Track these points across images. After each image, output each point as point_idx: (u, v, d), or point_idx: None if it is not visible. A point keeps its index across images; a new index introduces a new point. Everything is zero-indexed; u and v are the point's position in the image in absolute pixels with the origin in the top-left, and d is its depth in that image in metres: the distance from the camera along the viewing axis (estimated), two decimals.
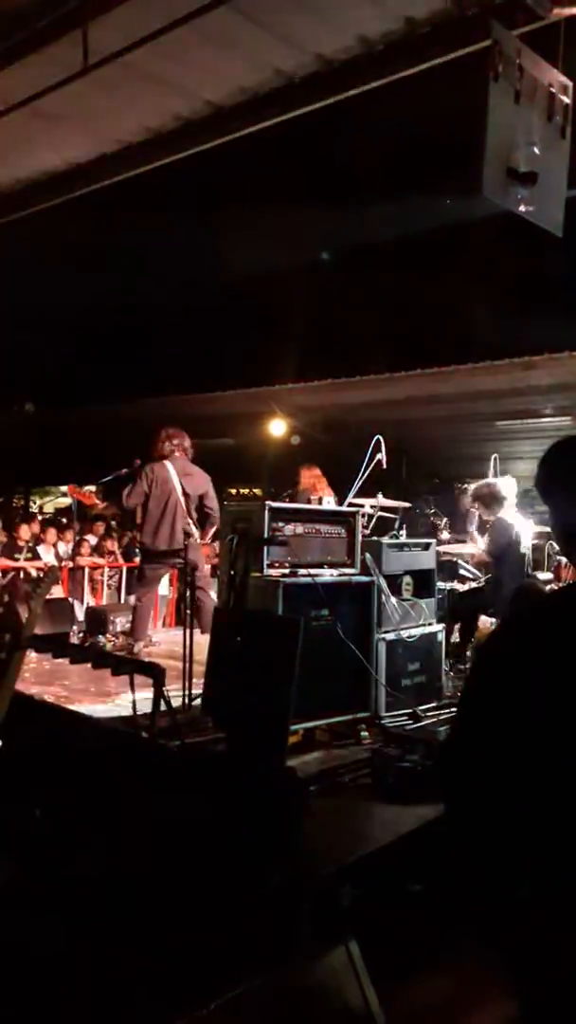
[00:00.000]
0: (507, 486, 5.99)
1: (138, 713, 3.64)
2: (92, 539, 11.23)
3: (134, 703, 3.53)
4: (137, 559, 11.03)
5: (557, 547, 6.53)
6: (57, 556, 10.83)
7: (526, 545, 5.89)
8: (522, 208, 4.34)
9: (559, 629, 1.45)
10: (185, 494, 6.25)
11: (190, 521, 6.23)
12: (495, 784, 1.42)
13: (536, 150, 4.34)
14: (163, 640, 7.24)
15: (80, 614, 8.40)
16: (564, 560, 6.42)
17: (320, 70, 5.55)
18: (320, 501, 5.88)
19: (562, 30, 4.60)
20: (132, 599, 9.58)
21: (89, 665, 4.19)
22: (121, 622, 7.72)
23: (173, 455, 6.35)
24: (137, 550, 11.25)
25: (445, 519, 6.72)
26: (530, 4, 4.38)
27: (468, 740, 1.49)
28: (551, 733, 1.38)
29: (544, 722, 1.39)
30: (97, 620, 7.88)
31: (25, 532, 11.16)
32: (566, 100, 4.70)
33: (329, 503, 6.41)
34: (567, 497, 1.55)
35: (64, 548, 10.99)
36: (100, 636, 7.53)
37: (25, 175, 7.37)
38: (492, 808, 1.41)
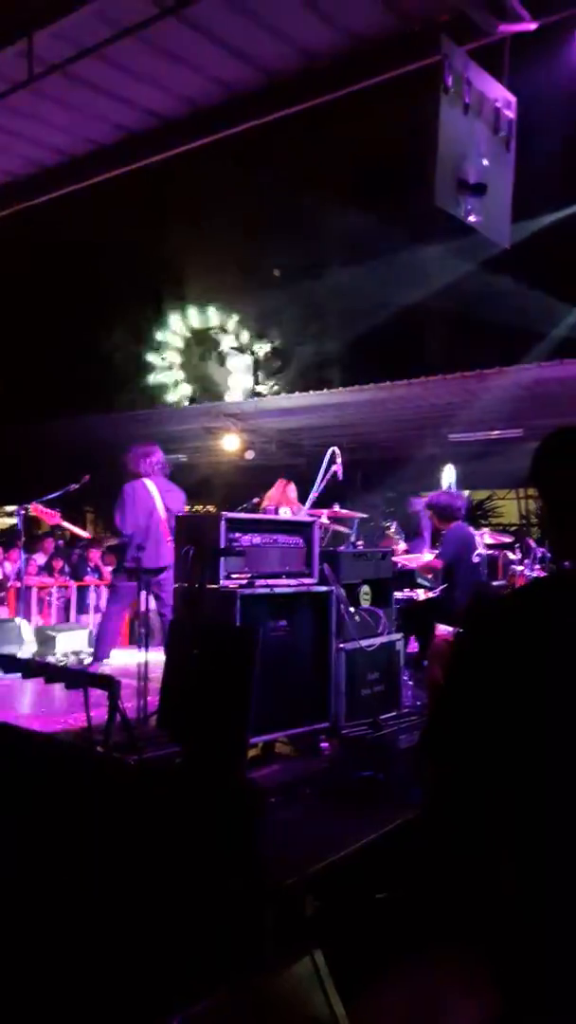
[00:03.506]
0: (460, 497, 6.05)
1: (93, 728, 3.53)
2: (41, 558, 11.02)
3: (88, 717, 3.43)
4: (88, 577, 10.88)
5: (516, 555, 6.59)
6: (4, 575, 10.59)
7: (479, 554, 5.94)
8: (472, 218, 4.41)
9: (519, 622, 1.49)
10: (167, 510, 6.11)
11: (170, 539, 6.05)
12: (472, 768, 1.46)
13: (485, 162, 4.42)
14: (115, 659, 7.09)
15: (28, 635, 8.19)
16: (519, 569, 6.48)
17: (266, 84, 5.60)
18: (276, 512, 5.83)
19: (507, 47, 4.71)
20: (84, 618, 9.42)
21: (42, 682, 4.06)
22: (71, 642, 7.56)
23: (151, 473, 6.19)
24: (90, 568, 11.10)
25: (395, 525, 6.76)
26: (477, 21, 4.46)
27: (444, 730, 1.51)
28: (518, 720, 1.43)
29: (511, 709, 1.44)
30: (46, 640, 7.70)
31: None
32: (510, 115, 4.80)
33: (286, 514, 6.37)
34: (558, 486, 1.58)
35: (10, 567, 10.75)
36: (49, 657, 7.36)
37: None
38: (471, 789, 1.43)
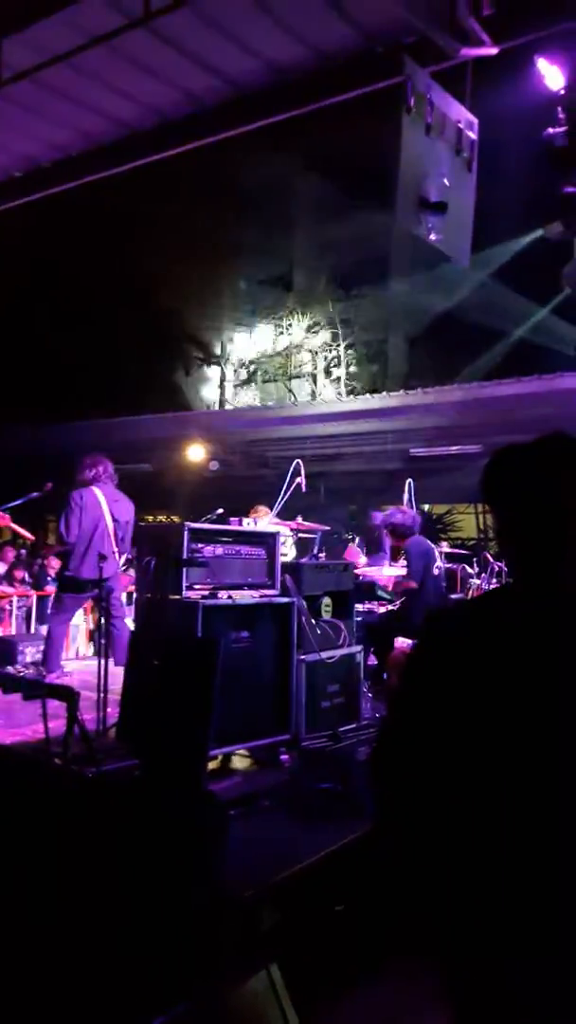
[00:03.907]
0: (418, 513, 6.11)
1: (51, 740, 3.49)
2: (1, 568, 10.87)
3: (46, 729, 3.39)
4: (49, 587, 10.74)
5: (474, 569, 6.68)
6: None
7: (438, 567, 6.01)
8: (432, 237, 4.48)
9: (471, 634, 1.52)
10: (115, 520, 6.08)
11: (115, 549, 6.03)
12: (422, 780, 1.46)
13: (446, 181, 4.50)
14: (76, 670, 7.00)
15: None
16: (477, 582, 6.56)
17: (234, 96, 5.65)
18: (240, 523, 5.83)
19: (470, 70, 4.80)
20: (44, 628, 9.29)
21: None
22: (31, 652, 7.45)
23: (99, 481, 6.17)
24: (51, 577, 10.97)
25: (358, 539, 6.81)
26: (439, 44, 4.55)
27: (395, 741, 1.52)
28: (468, 731, 1.44)
29: (461, 719, 1.45)
30: (5, 651, 7.59)
31: None
32: (472, 136, 4.90)
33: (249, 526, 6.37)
34: (508, 501, 1.61)
35: None
36: (8, 667, 7.25)
37: None
38: (421, 804, 1.44)
